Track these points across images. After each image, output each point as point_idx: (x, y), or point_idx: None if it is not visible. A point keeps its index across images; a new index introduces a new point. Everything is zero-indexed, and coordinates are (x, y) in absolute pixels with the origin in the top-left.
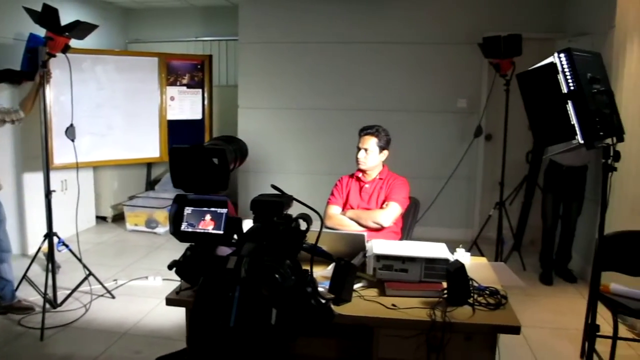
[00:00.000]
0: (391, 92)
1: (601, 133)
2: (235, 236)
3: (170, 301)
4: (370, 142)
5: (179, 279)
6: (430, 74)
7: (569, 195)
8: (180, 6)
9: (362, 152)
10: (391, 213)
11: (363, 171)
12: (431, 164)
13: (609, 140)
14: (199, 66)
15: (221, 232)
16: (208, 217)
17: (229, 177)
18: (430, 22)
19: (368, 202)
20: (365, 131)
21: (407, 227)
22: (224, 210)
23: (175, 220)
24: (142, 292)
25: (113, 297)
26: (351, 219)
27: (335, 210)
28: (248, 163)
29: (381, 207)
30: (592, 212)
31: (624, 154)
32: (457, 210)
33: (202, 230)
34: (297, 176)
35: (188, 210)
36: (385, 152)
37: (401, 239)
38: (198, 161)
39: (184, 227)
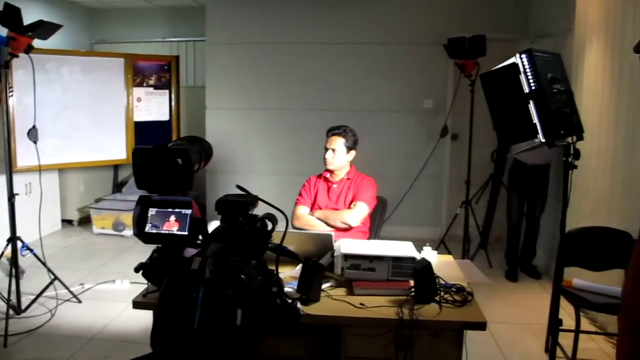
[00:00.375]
0: (358, 93)
1: (561, 132)
2: (200, 237)
3: (137, 304)
4: (338, 143)
5: (146, 281)
6: (397, 74)
7: (532, 193)
8: (146, 6)
9: (329, 152)
10: (359, 213)
11: (331, 171)
12: (398, 164)
13: (570, 139)
14: (166, 67)
15: (186, 233)
16: (172, 218)
17: (193, 178)
18: (397, 23)
19: (336, 202)
20: (332, 132)
21: (375, 227)
22: (189, 211)
23: (139, 221)
24: (110, 295)
25: (79, 301)
26: (319, 219)
27: (303, 210)
28: (216, 164)
29: (349, 207)
30: (555, 210)
31: (585, 152)
32: (424, 209)
33: (166, 232)
34: (265, 177)
35: (152, 211)
36: (353, 152)
37: (369, 238)
38: (162, 162)
39: (148, 228)
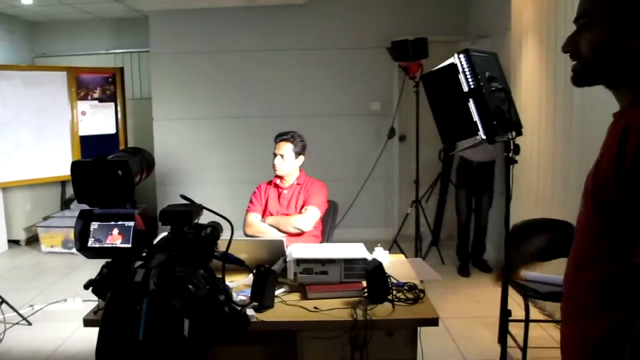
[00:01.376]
0: (306, 98)
1: (501, 128)
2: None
3: (88, 322)
4: (286, 148)
5: (97, 298)
6: (343, 78)
7: (479, 189)
8: (88, 18)
9: (278, 158)
10: (310, 217)
11: (280, 177)
12: (348, 167)
13: (509, 135)
14: (110, 79)
15: (129, 245)
16: (116, 231)
17: (135, 189)
18: (341, 28)
19: (287, 207)
20: (280, 137)
21: (327, 230)
22: (132, 223)
23: (82, 236)
24: (61, 315)
25: (29, 323)
26: (271, 225)
27: (254, 217)
28: (166, 175)
29: (300, 212)
30: (501, 205)
31: (526, 147)
32: (376, 211)
33: (110, 245)
34: (216, 186)
35: (94, 225)
36: (302, 158)
37: (322, 242)
38: (101, 175)
39: (91, 243)
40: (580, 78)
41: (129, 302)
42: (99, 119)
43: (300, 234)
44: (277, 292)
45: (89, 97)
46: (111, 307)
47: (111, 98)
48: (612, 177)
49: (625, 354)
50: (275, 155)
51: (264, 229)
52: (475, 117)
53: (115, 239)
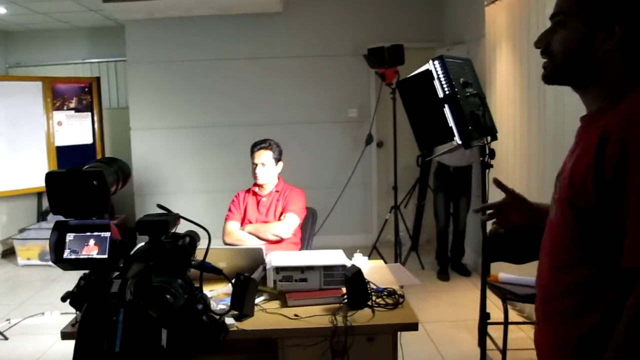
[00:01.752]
0: (284, 106)
1: (476, 133)
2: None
3: (65, 335)
4: (265, 156)
5: (75, 310)
6: (320, 86)
7: (457, 194)
8: (64, 28)
9: (259, 167)
10: (289, 224)
11: (259, 185)
12: (327, 174)
13: (484, 140)
14: (86, 89)
15: (106, 256)
16: (92, 242)
17: (110, 200)
18: (317, 35)
19: (266, 215)
20: (258, 146)
21: (307, 237)
22: (108, 234)
23: (57, 248)
24: (39, 329)
25: (6, 338)
26: (250, 233)
27: (233, 226)
28: (144, 185)
29: (279, 220)
30: None
31: (502, 151)
32: (355, 217)
33: (86, 256)
34: (195, 195)
35: (70, 236)
36: (281, 164)
37: (301, 249)
38: (76, 185)
39: (66, 254)
40: (550, 76)
41: (105, 313)
42: (76, 129)
43: (279, 241)
44: (257, 301)
45: (65, 107)
46: (87, 319)
47: (88, 108)
48: (591, 185)
49: (606, 354)
50: (255, 164)
51: (243, 237)
52: (451, 123)
53: (91, 250)
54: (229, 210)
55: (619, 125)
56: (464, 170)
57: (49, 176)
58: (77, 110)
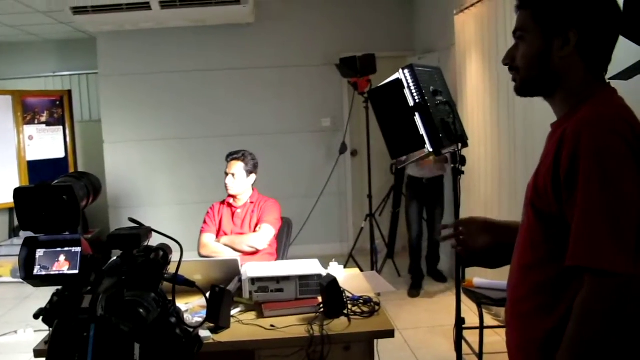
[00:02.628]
0: (258, 117)
1: (447, 140)
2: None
3: (38, 353)
4: (237, 167)
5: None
6: (293, 96)
7: (431, 204)
8: (34, 40)
9: (229, 177)
10: (265, 235)
11: (233, 196)
12: (301, 183)
13: (455, 147)
14: (57, 102)
15: (77, 271)
16: (62, 257)
17: (80, 214)
18: (290, 46)
19: (241, 226)
20: (231, 156)
21: (282, 248)
22: (78, 249)
23: (27, 264)
24: (12, 348)
25: None
26: (226, 245)
27: (208, 238)
28: (119, 199)
29: (254, 231)
30: (452, 214)
31: (474, 158)
32: (331, 226)
33: (57, 272)
34: (169, 207)
35: (40, 252)
36: (253, 176)
37: (277, 259)
38: (46, 201)
39: (36, 270)
40: (520, 89)
41: (75, 329)
42: (47, 143)
43: (255, 252)
44: (233, 312)
45: (36, 121)
46: (58, 335)
47: (59, 121)
48: (550, 186)
49: (557, 353)
50: (226, 174)
51: (218, 249)
52: (422, 131)
53: (62, 266)
54: (204, 222)
55: (573, 129)
56: (436, 180)
57: (18, 192)
58: (48, 124)
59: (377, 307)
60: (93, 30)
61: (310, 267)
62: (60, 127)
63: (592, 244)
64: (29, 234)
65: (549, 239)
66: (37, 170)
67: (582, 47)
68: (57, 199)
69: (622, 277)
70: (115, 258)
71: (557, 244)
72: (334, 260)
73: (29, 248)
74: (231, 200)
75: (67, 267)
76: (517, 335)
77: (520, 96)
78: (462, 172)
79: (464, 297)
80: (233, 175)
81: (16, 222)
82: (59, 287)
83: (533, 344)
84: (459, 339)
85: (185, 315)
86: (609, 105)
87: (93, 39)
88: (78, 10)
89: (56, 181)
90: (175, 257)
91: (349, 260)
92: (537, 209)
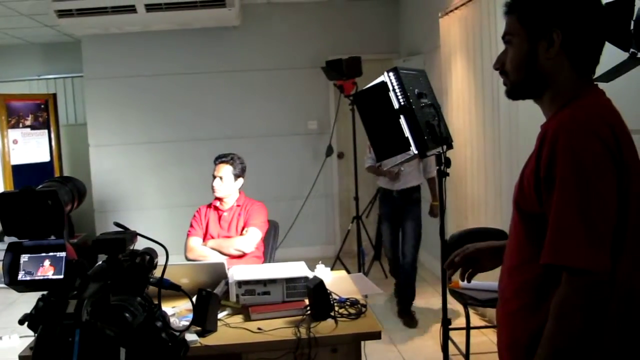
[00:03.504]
0: (244, 119)
1: (432, 143)
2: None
3: (23, 358)
4: (224, 170)
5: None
6: (279, 99)
7: (403, 219)
8: (17, 43)
9: (217, 180)
10: (251, 238)
11: (220, 199)
12: (288, 186)
13: (440, 149)
14: (42, 106)
15: (62, 276)
16: (47, 262)
17: (64, 219)
18: (275, 49)
19: (228, 230)
20: (219, 159)
21: (269, 251)
22: (63, 254)
23: (11, 270)
24: None
25: None
26: (213, 248)
27: (195, 241)
28: (105, 203)
29: (241, 234)
30: (439, 218)
31: (460, 160)
32: (318, 228)
33: (41, 277)
34: (156, 211)
35: (24, 257)
36: (241, 180)
37: (264, 262)
38: (30, 205)
39: (21, 276)
40: (510, 93)
41: (60, 334)
42: (32, 147)
43: (242, 255)
44: (220, 315)
45: (21, 125)
46: (42, 341)
47: (44, 125)
48: (533, 186)
49: (537, 351)
50: (214, 177)
51: (205, 253)
52: (407, 133)
53: (46, 271)
54: (191, 225)
55: (554, 129)
56: (409, 192)
57: (1, 197)
58: (33, 127)
59: (363, 309)
60: (78, 33)
61: (297, 269)
62: (45, 131)
63: (568, 242)
64: (13, 239)
65: (532, 240)
66: (22, 174)
67: (567, 49)
68: (41, 204)
69: (598, 275)
70: (100, 262)
71: (540, 245)
72: (320, 262)
73: (13, 253)
74: (218, 204)
75: (52, 272)
76: (506, 336)
77: (511, 99)
78: (448, 174)
79: (450, 298)
80: (221, 178)
81: (0, 228)
82: (44, 293)
83: (521, 344)
84: (445, 340)
85: (172, 319)
86: (591, 107)
87: (78, 42)
88: (63, 13)
89: (41, 186)
90: (161, 260)
91: (335, 263)
92: (522, 209)
